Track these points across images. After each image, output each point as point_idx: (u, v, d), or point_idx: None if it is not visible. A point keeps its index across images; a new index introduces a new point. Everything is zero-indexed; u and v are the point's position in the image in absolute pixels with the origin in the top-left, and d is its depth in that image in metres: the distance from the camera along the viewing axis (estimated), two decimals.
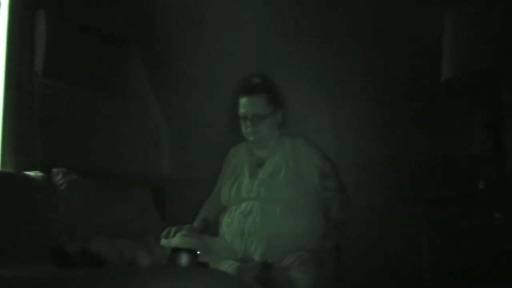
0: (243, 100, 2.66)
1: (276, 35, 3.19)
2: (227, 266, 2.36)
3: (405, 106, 2.83)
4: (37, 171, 2.75)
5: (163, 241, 2.59)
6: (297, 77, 3.10)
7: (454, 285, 2.09)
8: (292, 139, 2.72)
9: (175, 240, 2.54)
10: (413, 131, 2.81)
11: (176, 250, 2.12)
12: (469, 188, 2.24)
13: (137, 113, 3.62)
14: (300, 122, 2.96)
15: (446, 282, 2.11)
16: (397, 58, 2.80)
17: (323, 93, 3.10)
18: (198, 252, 2.13)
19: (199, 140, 3.52)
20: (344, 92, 3.05)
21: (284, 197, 2.54)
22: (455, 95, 2.46)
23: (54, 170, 2.81)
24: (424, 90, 2.68)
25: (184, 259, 2.07)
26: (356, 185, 2.74)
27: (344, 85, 3.05)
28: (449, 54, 2.24)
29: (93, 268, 1.92)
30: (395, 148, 2.85)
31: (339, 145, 3.00)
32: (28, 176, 2.68)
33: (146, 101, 3.70)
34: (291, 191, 2.55)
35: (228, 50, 3.33)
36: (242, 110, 2.66)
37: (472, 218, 2.08)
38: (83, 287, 1.63)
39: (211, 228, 2.77)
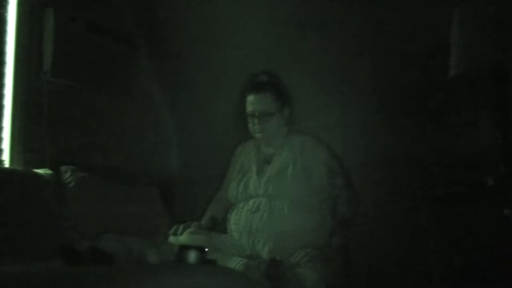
0: (250, 98, 2.66)
1: (283, 32, 3.18)
2: (235, 263, 2.36)
3: (413, 103, 2.82)
4: (46, 169, 2.76)
5: (171, 238, 2.59)
6: (303, 74, 3.09)
7: (463, 282, 2.08)
8: (299, 137, 2.71)
9: (183, 237, 2.54)
10: (421, 127, 2.79)
11: (184, 247, 2.12)
12: (478, 185, 2.23)
13: (145, 111, 3.63)
14: (307, 119, 2.95)
15: (455, 279, 2.10)
16: (405, 54, 2.78)
17: (329, 90, 3.09)
18: (206, 249, 2.13)
19: (206, 138, 3.52)
20: (351, 89, 3.04)
21: (292, 194, 2.54)
22: (463, 91, 2.45)
23: (63, 167, 2.82)
24: (432, 86, 2.67)
25: (192, 256, 2.06)
26: (362, 182, 2.73)
27: (351, 82, 3.04)
28: (457, 50, 2.23)
29: (102, 265, 1.93)
30: (403, 145, 2.84)
31: (346, 143, 2.99)
32: (37, 174, 2.69)
33: (154, 99, 3.71)
34: (299, 188, 2.55)
35: (235, 48, 3.33)
36: (249, 108, 2.66)
37: (481, 214, 2.07)
38: (92, 284, 1.63)
39: (218, 226, 2.78)
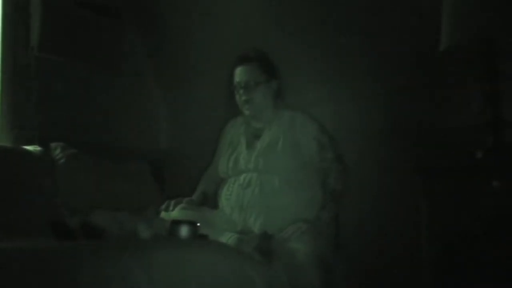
0: (237, 70, 2.66)
1: (274, 7, 3.16)
2: (227, 238, 2.38)
3: (403, 76, 2.82)
4: (36, 146, 2.75)
5: (163, 214, 2.59)
6: (294, 50, 3.09)
7: (452, 255, 2.10)
8: (289, 111, 2.71)
9: (175, 213, 2.55)
10: (411, 101, 2.80)
11: (176, 222, 2.12)
12: (467, 157, 2.24)
13: (135, 87, 3.60)
14: (297, 94, 2.94)
15: (444, 251, 2.12)
16: (396, 27, 2.78)
17: (319, 65, 3.09)
18: (198, 224, 2.14)
19: (197, 114, 3.51)
20: (340, 64, 3.03)
21: (282, 169, 2.54)
22: (454, 64, 2.45)
23: (53, 144, 2.81)
24: (423, 60, 2.67)
25: (184, 231, 2.07)
26: (354, 156, 2.74)
27: (340, 57, 3.03)
28: (448, 22, 2.23)
29: (94, 240, 1.93)
30: (393, 119, 2.85)
31: (335, 117, 2.99)
32: (27, 151, 2.68)
33: (144, 74, 3.68)
34: (289, 163, 2.55)
35: (226, 23, 3.31)
36: (236, 79, 2.66)
37: (470, 187, 2.08)
38: (83, 259, 1.64)
39: (210, 201, 2.78)
